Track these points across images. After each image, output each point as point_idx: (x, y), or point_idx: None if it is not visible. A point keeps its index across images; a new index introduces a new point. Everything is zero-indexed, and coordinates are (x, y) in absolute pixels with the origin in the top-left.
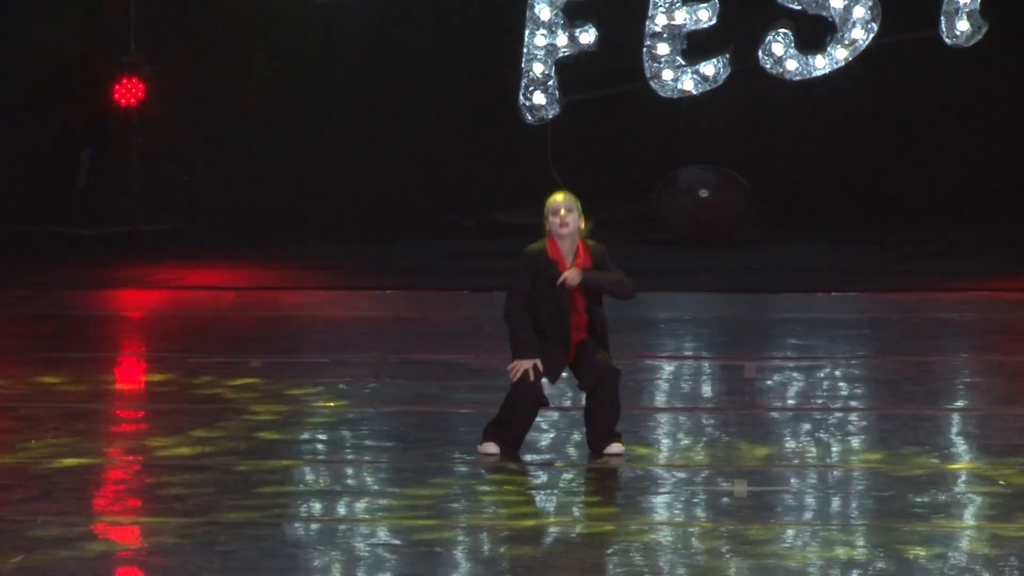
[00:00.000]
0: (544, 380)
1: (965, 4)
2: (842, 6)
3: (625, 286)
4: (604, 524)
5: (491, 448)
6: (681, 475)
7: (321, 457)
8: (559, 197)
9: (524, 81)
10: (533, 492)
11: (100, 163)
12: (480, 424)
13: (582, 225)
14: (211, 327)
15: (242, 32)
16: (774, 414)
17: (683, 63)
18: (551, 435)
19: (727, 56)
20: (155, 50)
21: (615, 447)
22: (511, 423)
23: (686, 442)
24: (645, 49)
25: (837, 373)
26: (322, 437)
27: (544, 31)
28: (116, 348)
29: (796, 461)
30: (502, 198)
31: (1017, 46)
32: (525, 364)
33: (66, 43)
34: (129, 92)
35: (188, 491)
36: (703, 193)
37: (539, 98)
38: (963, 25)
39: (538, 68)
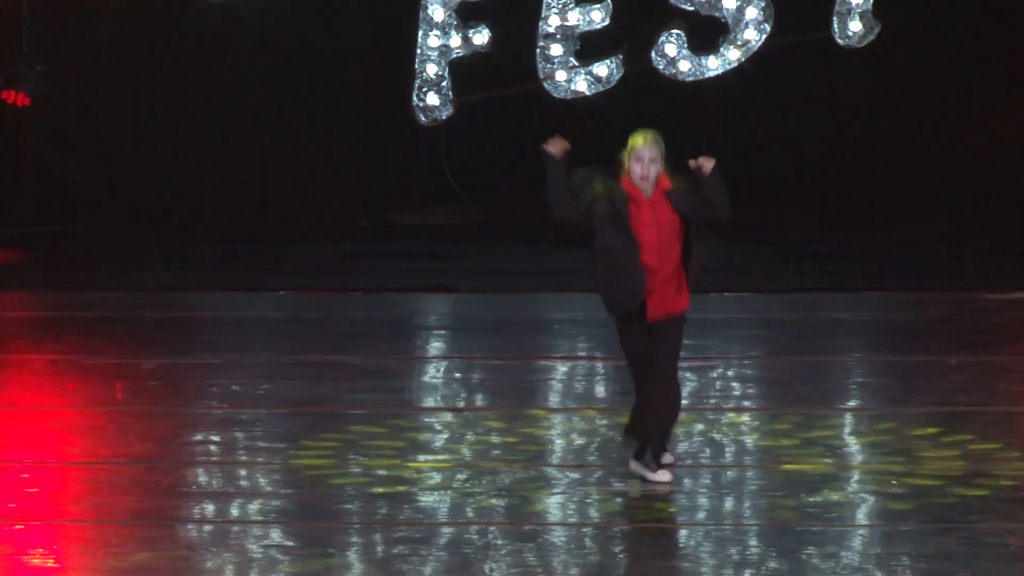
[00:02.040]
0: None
1: (857, 5)
2: (735, 7)
3: (726, 209)
4: (498, 524)
5: (663, 476)
6: (574, 475)
7: (214, 458)
8: (645, 143)
9: (418, 82)
10: (427, 493)
11: None
12: (374, 425)
13: (662, 170)
14: (104, 329)
15: (136, 32)
16: None
17: (576, 64)
18: (445, 435)
19: (620, 57)
20: (48, 51)
21: (662, 475)
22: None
23: (580, 442)
24: (538, 50)
25: (730, 373)
26: (215, 438)
27: (437, 32)
28: (8, 351)
29: (689, 461)
30: (396, 199)
31: (910, 46)
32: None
33: None
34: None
35: (81, 494)
36: None
37: (433, 99)
38: (855, 26)
39: (431, 69)
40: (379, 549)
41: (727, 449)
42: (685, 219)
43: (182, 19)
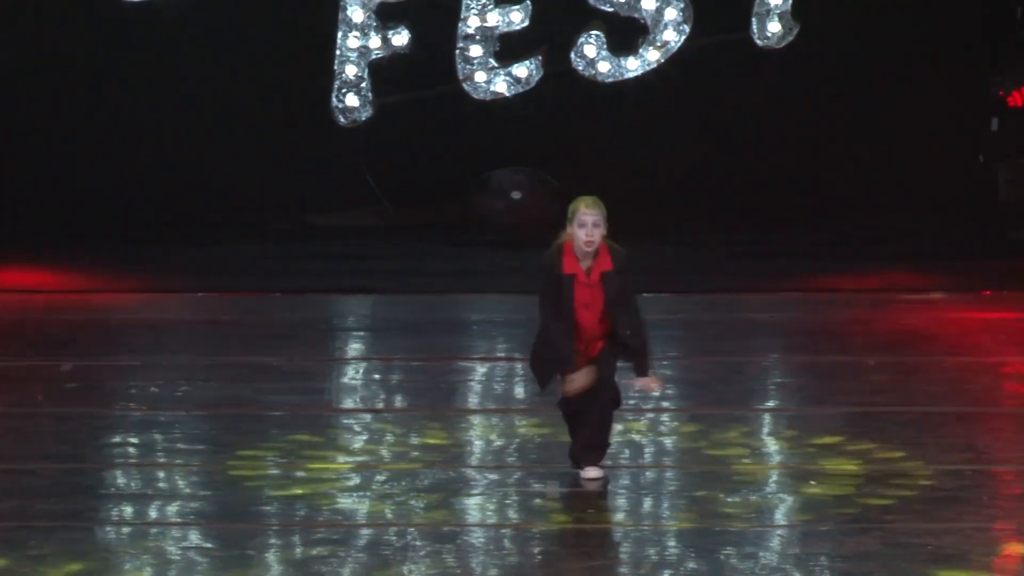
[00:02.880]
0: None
1: (776, 5)
2: (654, 8)
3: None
4: (416, 526)
5: (593, 473)
6: (493, 476)
7: (133, 460)
8: (588, 208)
9: (337, 83)
10: (346, 494)
11: None
12: (292, 426)
13: (606, 234)
14: (21, 330)
15: (52, 32)
16: None
17: (495, 65)
18: (364, 437)
19: (539, 58)
20: None
21: (592, 471)
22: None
23: (499, 443)
24: (458, 51)
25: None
26: (134, 440)
27: (357, 33)
28: None
29: (608, 462)
30: (315, 201)
31: (828, 48)
32: (580, 380)
33: None
34: None
35: None
36: (516, 195)
37: (352, 100)
38: (774, 27)
39: (351, 70)
40: (298, 551)
41: (646, 450)
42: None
43: (98, 19)
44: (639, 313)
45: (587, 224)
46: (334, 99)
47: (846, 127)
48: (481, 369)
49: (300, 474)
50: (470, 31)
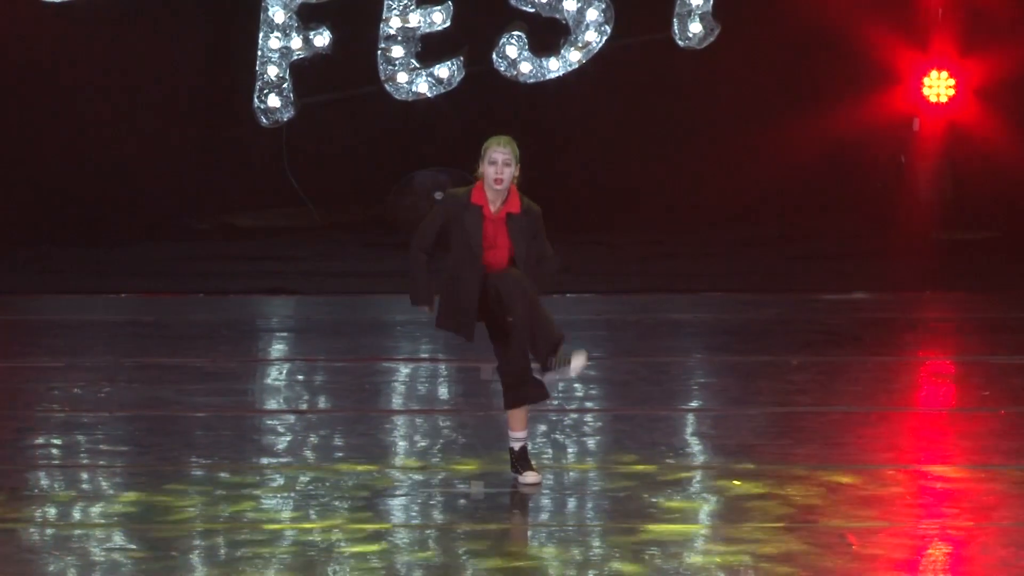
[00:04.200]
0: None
1: (697, 6)
2: (575, 8)
3: (551, 277)
4: (341, 526)
5: (531, 478)
6: (418, 477)
7: (56, 462)
8: (500, 145)
9: (259, 84)
10: (270, 495)
11: None
12: (216, 428)
13: (517, 175)
14: None
15: None
16: None
17: (417, 66)
18: (288, 438)
19: (461, 59)
20: None
21: (530, 476)
22: None
23: (423, 444)
24: (379, 52)
25: (572, 375)
26: (56, 442)
27: (278, 34)
28: None
29: (532, 463)
30: (237, 201)
31: (749, 48)
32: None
33: None
34: None
35: None
36: (438, 195)
37: (274, 101)
38: (695, 27)
39: (272, 71)
40: (222, 551)
41: (570, 450)
42: (519, 245)
43: (16, 18)
44: (550, 248)
45: (497, 162)
46: (256, 100)
47: (767, 127)
48: (405, 370)
49: (223, 475)
50: (392, 32)
